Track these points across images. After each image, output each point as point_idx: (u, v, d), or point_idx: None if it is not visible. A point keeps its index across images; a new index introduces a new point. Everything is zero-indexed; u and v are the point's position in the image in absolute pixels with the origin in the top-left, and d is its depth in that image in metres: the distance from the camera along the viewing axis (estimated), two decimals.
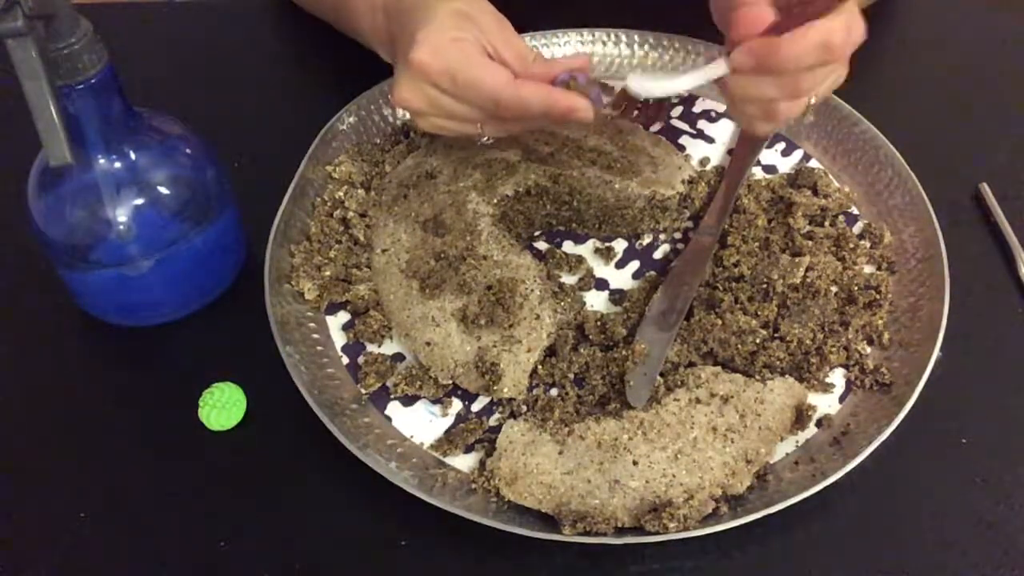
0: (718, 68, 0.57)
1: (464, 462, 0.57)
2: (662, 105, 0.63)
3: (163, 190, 0.59)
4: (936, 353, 0.59)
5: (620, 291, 0.66)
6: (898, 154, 0.70)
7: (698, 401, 0.56)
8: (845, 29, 0.54)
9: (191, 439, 0.59)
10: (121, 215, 0.58)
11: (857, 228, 0.68)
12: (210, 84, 0.83)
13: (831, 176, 0.71)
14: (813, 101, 0.58)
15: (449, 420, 0.59)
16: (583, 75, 0.60)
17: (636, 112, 0.62)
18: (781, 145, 0.75)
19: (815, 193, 0.69)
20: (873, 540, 0.55)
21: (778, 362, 0.60)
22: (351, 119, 0.74)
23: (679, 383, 0.58)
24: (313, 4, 0.83)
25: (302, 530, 0.56)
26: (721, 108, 0.77)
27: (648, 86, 0.59)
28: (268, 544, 0.55)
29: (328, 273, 0.65)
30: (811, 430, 0.58)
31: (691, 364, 0.60)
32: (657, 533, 0.52)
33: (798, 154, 0.74)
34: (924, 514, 0.56)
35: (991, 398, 0.61)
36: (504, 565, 0.54)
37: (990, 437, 0.59)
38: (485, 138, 0.64)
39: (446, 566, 0.54)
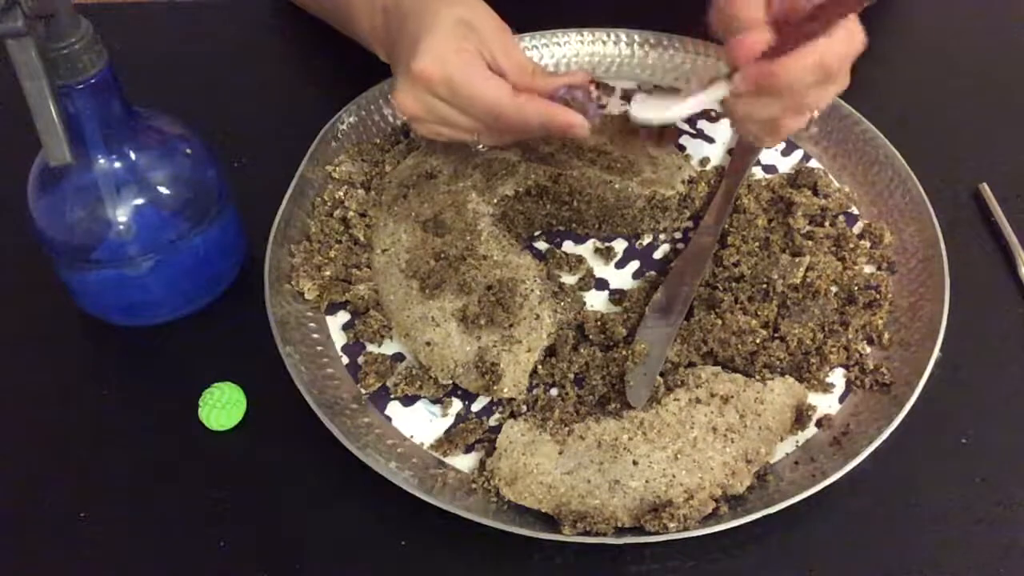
0: (719, 91, 0.58)
1: (464, 462, 0.57)
2: (666, 130, 0.64)
3: (163, 190, 0.59)
4: (936, 353, 0.59)
5: (620, 291, 0.66)
6: (898, 154, 0.70)
7: (698, 401, 0.56)
8: (843, 46, 0.54)
9: (191, 439, 0.59)
10: (121, 215, 0.58)
11: (857, 228, 0.68)
12: (210, 84, 0.83)
13: (831, 176, 0.71)
14: (816, 115, 0.59)
15: (449, 420, 0.59)
16: (581, 91, 0.61)
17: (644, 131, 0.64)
18: (781, 145, 0.74)
19: (815, 193, 0.69)
20: (873, 540, 0.55)
21: (778, 362, 0.60)
22: (351, 119, 0.74)
23: (679, 383, 0.58)
24: (312, 3, 0.83)
25: (302, 530, 0.56)
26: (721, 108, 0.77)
27: (650, 113, 0.61)
28: (268, 544, 0.55)
29: (328, 273, 0.65)
30: (811, 430, 0.58)
31: (691, 364, 0.60)
32: (657, 533, 0.52)
33: (798, 154, 0.74)
34: (924, 514, 0.56)
35: (991, 398, 0.61)
36: (504, 565, 0.54)
37: (990, 437, 0.59)
38: (481, 146, 0.65)
39: (446, 566, 0.54)
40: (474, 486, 0.55)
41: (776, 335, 0.61)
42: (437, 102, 0.60)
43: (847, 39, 0.55)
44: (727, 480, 0.54)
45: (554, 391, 0.60)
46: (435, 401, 0.60)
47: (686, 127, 0.76)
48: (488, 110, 0.59)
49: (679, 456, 0.54)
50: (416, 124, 0.62)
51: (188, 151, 0.61)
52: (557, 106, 0.60)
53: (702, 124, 0.76)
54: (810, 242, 0.65)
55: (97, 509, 0.57)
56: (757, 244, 0.66)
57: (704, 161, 0.74)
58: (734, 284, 0.63)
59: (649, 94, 0.64)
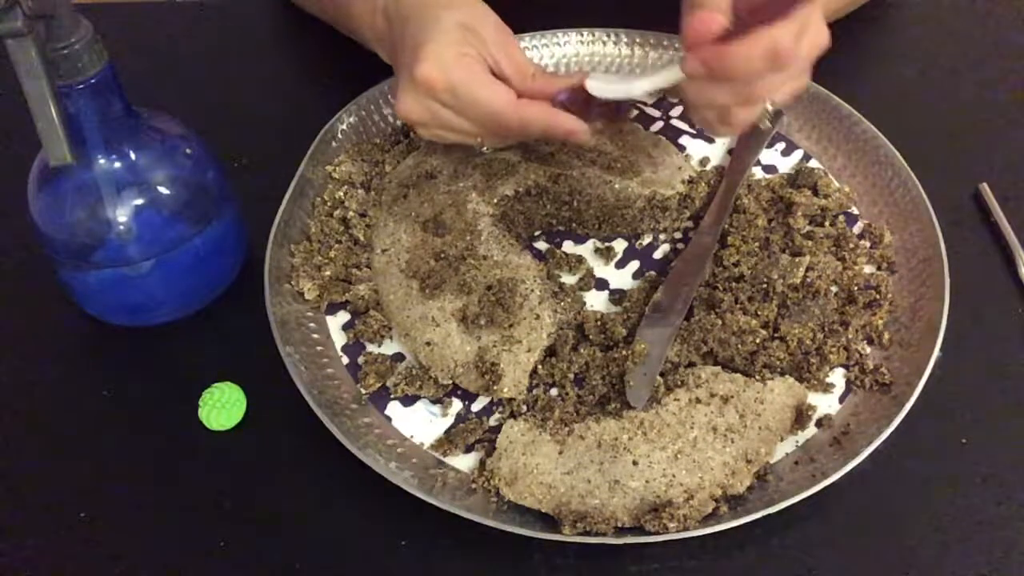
0: (672, 74, 0.58)
1: (464, 462, 0.57)
2: (621, 106, 0.63)
3: (163, 190, 0.59)
4: (936, 353, 0.58)
5: (620, 291, 0.66)
6: (898, 154, 0.70)
7: (698, 401, 0.56)
8: (793, 37, 0.52)
9: (191, 439, 0.59)
10: (121, 215, 0.58)
11: (857, 228, 0.68)
12: (210, 84, 0.83)
13: (831, 176, 0.71)
14: (770, 107, 0.58)
15: (449, 420, 0.59)
16: (582, 95, 0.61)
17: (595, 109, 0.62)
18: (781, 145, 0.75)
19: (815, 193, 0.69)
20: (873, 540, 0.55)
21: (778, 362, 0.60)
22: (351, 119, 0.74)
23: (679, 383, 0.58)
24: (312, 3, 0.83)
25: (302, 530, 0.56)
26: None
27: (604, 88, 0.61)
28: (268, 544, 0.55)
29: (328, 273, 0.65)
30: (811, 430, 0.58)
31: (691, 364, 0.60)
32: (657, 533, 0.52)
33: (798, 154, 0.74)
34: (924, 514, 0.56)
35: (991, 398, 0.60)
36: (504, 565, 0.54)
37: (990, 437, 0.59)
38: (484, 148, 0.66)
39: (446, 566, 0.54)
40: (474, 486, 0.55)
41: (776, 335, 0.61)
42: (440, 108, 0.60)
43: (797, 34, 0.53)
44: (727, 480, 0.54)
45: (554, 391, 0.60)
46: (435, 401, 0.60)
47: (686, 127, 0.76)
48: (490, 116, 0.59)
49: (679, 456, 0.54)
50: (418, 128, 0.63)
51: (188, 151, 0.61)
52: (559, 113, 0.60)
53: None
54: (810, 242, 0.65)
55: (97, 509, 0.57)
56: (757, 244, 0.66)
57: (704, 161, 0.74)
58: (734, 284, 0.63)
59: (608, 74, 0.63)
